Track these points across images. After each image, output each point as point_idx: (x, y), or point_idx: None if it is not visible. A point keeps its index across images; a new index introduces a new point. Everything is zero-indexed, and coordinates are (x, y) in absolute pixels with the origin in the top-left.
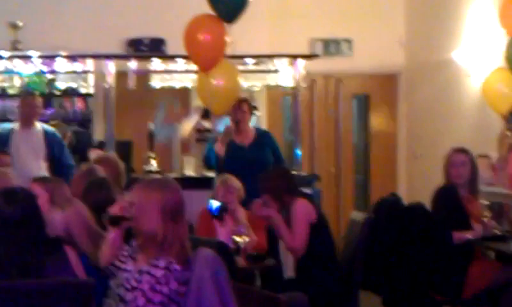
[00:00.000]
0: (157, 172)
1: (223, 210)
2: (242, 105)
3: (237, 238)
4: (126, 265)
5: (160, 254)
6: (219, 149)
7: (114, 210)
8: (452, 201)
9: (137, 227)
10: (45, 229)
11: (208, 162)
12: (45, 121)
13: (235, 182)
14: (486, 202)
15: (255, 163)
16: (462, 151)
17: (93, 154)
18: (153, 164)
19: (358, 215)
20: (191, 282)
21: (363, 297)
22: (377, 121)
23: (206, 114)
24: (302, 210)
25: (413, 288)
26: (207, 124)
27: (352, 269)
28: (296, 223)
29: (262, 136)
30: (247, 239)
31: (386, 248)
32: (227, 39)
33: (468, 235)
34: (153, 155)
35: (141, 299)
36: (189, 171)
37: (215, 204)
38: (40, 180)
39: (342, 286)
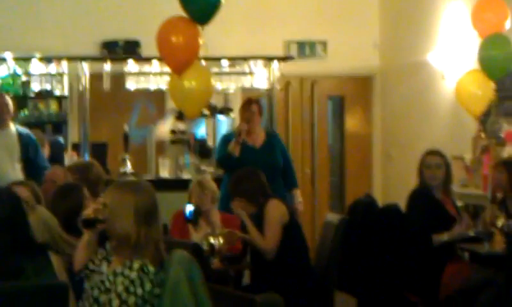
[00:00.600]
0: (132, 174)
1: (196, 214)
2: (251, 106)
3: (212, 240)
4: (100, 267)
5: (135, 256)
6: (234, 149)
7: (87, 212)
8: (428, 203)
9: (111, 229)
10: (29, 232)
11: (225, 163)
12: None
13: (211, 184)
14: (460, 203)
15: (267, 165)
16: (436, 153)
17: (68, 158)
18: (129, 166)
19: (333, 217)
20: (166, 284)
21: (338, 298)
22: (352, 122)
23: (181, 116)
24: (275, 211)
25: (388, 289)
26: (181, 126)
27: (327, 271)
28: (268, 224)
29: (272, 138)
30: (222, 241)
31: (361, 249)
32: (200, 41)
33: (445, 236)
34: (128, 156)
35: (116, 301)
36: (164, 173)
37: (189, 208)
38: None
39: (316, 287)
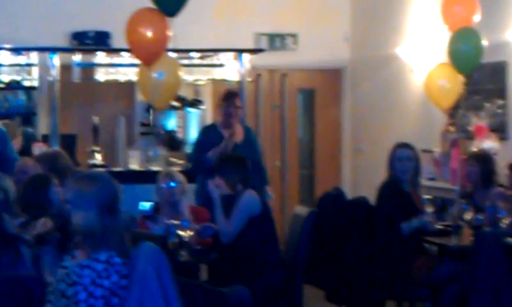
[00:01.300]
0: (101, 166)
1: (155, 209)
2: (235, 100)
3: (181, 232)
4: (64, 262)
5: (100, 247)
6: (213, 156)
7: (37, 230)
8: (398, 196)
9: (75, 224)
10: (3, 223)
11: (199, 170)
12: None
13: (179, 176)
14: (428, 197)
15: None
16: (407, 146)
17: (37, 149)
18: (98, 158)
19: (302, 210)
20: (134, 277)
21: (306, 291)
22: (322, 115)
23: (150, 108)
24: (247, 202)
25: (356, 282)
26: (151, 118)
27: (295, 263)
28: (236, 211)
29: (249, 133)
30: (190, 233)
31: (329, 242)
32: (169, 33)
33: (415, 222)
34: (97, 148)
35: (82, 293)
36: (134, 165)
37: (146, 205)
38: None
39: (285, 280)
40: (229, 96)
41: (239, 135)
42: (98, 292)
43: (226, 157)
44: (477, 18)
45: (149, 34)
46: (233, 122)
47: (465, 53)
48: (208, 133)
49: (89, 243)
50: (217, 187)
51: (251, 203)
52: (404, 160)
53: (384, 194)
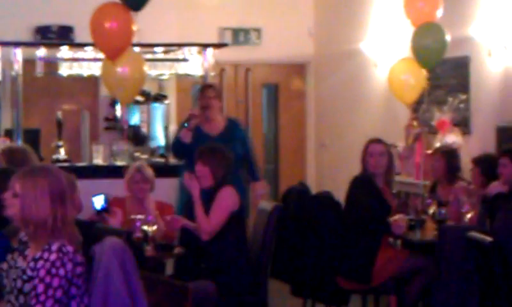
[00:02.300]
0: (65, 160)
1: (108, 202)
2: (207, 91)
3: (146, 227)
4: (16, 262)
5: (52, 239)
6: (184, 135)
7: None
8: (370, 191)
9: (26, 217)
10: None
11: (176, 149)
12: None
13: (150, 171)
14: (393, 191)
15: None
16: (380, 141)
17: (1, 143)
18: (62, 153)
19: (267, 204)
20: (99, 271)
21: (271, 285)
22: (286, 110)
23: (115, 102)
24: (228, 198)
25: (321, 276)
26: (115, 112)
27: (260, 258)
28: (216, 208)
29: (232, 127)
30: (155, 228)
31: (294, 237)
32: (134, 27)
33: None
34: (61, 143)
35: (40, 286)
36: (98, 160)
37: (98, 200)
38: None
39: (250, 274)
40: (202, 89)
41: (216, 128)
42: (55, 282)
43: (213, 146)
44: (439, 13)
45: (113, 28)
46: (209, 113)
47: (429, 48)
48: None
49: (42, 235)
50: (200, 172)
51: (232, 199)
52: (376, 155)
53: (355, 188)
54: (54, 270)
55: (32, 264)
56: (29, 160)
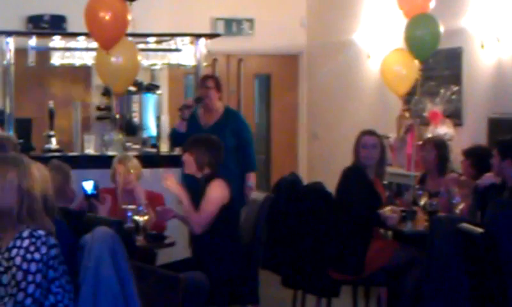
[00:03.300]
0: (56, 150)
1: (97, 187)
2: (206, 81)
3: (136, 217)
4: None
5: (21, 227)
6: (179, 125)
7: None
8: (361, 182)
9: None
10: None
11: (173, 138)
12: None
13: (133, 161)
14: (384, 182)
15: None
16: (373, 133)
17: None
18: (53, 142)
19: (258, 195)
20: (89, 261)
21: (262, 276)
22: (278, 101)
23: (107, 92)
24: (218, 191)
25: (312, 267)
26: (107, 102)
27: (251, 248)
28: (208, 201)
29: (228, 117)
30: (146, 218)
31: (285, 227)
32: (129, 17)
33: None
34: (53, 133)
35: (19, 274)
36: (90, 150)
37: (88, 184)
38: None
39: (241, 265)
40: (201, 79)
41: (212, 118)
42: (32, 267)
43: (200, 136)
44: (432, 4)
45: (108, 18)
46: (207, 103)
47: (422, 39)
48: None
49: (10, 225)
50: (186, 162)
51: (222, 193)
52: (369, 147)
53: (347, 180)
54: (29, 256)
55: (6, 254)
56: (5, 149)
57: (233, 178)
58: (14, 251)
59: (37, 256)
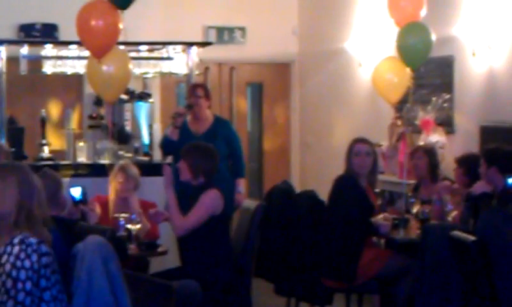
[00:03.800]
0: (49, 159)
1: (85, 193)
2: (196, 90)
3: (129, 226)
4: None
5: (14, 233)
6: (171, 133)
7: None
8: (355, 191)
9: None
10: None
11: (164, 146)
12: None
13: (134, 170)
14: (376, 190)
15: None
16: (366, 141)
17: None
18: (46, 151)
19: (250, 203)
20: (82, 270)
21: (255, 284)
22: (270, 109)
23: (99, 101)
24: (210, 200)
25: (305, 275)
26: (100, 111)
27: (244, 257)
28: (197, 208)
29: (219, 126)
30: (138, 226)
31: (277, 235)
32: (120, 26)
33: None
34: (45, 141)
35: (8, 282)
36: (82, 158)
37: (76, 191)
38: None
39: (234, 273)
40: (190, 88)
41: (203, 127)
42: (22, 275)
43: (196, 144)
44: (423, 12)
45: (100, 26)
46: (197, 111)
47: (414, 47)
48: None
49: (4, 231)
50: (181, 169)
51: (215, 202)
52: (362, 154)
53: (340, 188)
54: (19, 263)
55: None
56: None
57: (227, 184)
58: (4, 258)
59: (27, 263)
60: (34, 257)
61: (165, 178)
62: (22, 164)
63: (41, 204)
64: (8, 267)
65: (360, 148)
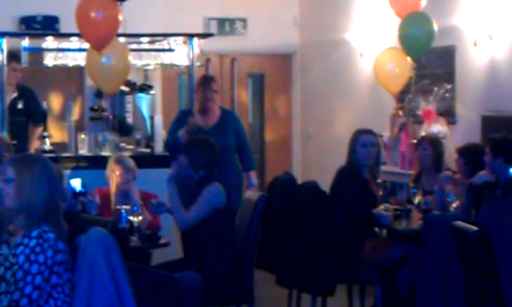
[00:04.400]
0: (50, 151)
1: (85, 185)
2: (212, 84)
3: (131, 217)
4: (1, 250)
5: (36, 225)
6: (183, 136)
7: None
8: (358, 182)
9: (20, 203)
10: None
11: (170, 149)
12: None
13: (130, 161)
14: (378, 181)
15: None
16: (370, 132)
17: None
18: (47, 143)
19: (252, 194)
20: (83, 262)
21: (257, 275)
22: (272, 100)
23: (100, 93)
24: (212, 195)
25: (307, 266)
26: (101, 103)
27: (246, 248)
28: (199, 203)
29: (226, 118)
30: (140, 218)
31: (279, 226)
32: (120, 17)
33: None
34: (47, 134)
35: (19, 272)
36: (83, 150)
37: (76, 182)
38: None
39: (236, 265)
40: (206, 81)
41: (212, 120)
42: (34, 269)
43: (196, 138)
44: (424, 3)
45: (100, 18)
46: (210, 106)
47: (416, 37)
48: (184, 118)
49: (27, 222)
50: (183, 164)
51: (216, 197)
52: (368, 145)
53: (342, 179)
54: (33, 256)
55: (14, 251)
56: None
57: (238, 177)
58: (20, 248)
59: (41, 258)
60: (50, 252)
61: (169, 172)
62: (43, 156)
63: (62, 196)
64: (21, 258)
65: (365, 139)
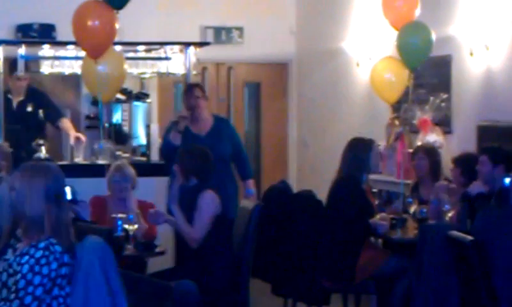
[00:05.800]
0: (46, 159)
1: (74, 192)
2: (194, 91)
3: (127, 226)
4: (5, 255)
5: (42, 237)
6: (174, 138)
7: None
8: (356, 191)
9: (20, 213)
10: None
11: (164, 153)
12: None
13: (130, 169)
14: (374, 190)
15: (213, 155)
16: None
17: None
18: (43, 151)
19: (248, 203)
20: (79, 270)
21: (252, 284)
22: (268, 109)
23: (96, 101)
24: (209, 204)
25: (302, 275)
26: (97, 111)
27: (242, 257)
28: (200, 215)
29: (220, 125)
30: (136, 227)
31: (275, 235)
32: (117, 26)
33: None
34: (42, 142)
35: (21, 282)
36: (79, 159)
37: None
38: None
39: (231, 274)
40: (188, 89)
41: (205, 128)
42: (36, 280)
43: (187, 146)
44: (418, 13)
45: (96, 27)
46: (198, 113)
47: (414, 47)
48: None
49: (34, 233)
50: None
51: (212, 204)
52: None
53: (341, 188)
54: (37, 268)
55: (18, 259)
56: None
57: (234, 186)
58: (25, 258)
59: (45, 270)
60: (54, 265)
61: (170, 196)
62: (52, 166)
63: (68, 206)
64: (26, 267)
65: (377, 147)
